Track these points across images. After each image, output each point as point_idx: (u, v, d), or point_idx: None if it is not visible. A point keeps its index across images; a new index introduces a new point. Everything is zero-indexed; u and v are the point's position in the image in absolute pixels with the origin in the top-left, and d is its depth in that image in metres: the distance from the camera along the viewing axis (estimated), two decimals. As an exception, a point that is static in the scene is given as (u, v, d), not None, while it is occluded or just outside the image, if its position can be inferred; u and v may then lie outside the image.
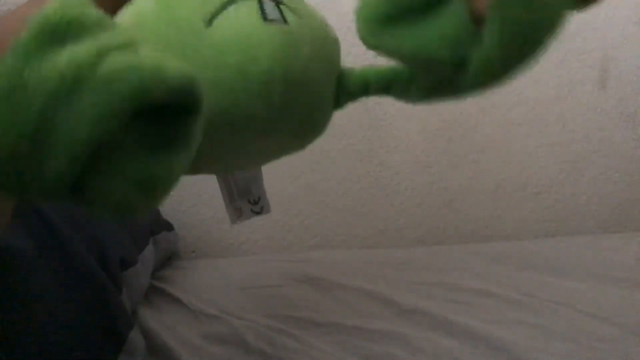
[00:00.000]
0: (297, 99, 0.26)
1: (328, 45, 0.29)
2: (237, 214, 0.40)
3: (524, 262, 0.80)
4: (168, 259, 0.88)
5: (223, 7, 0.24)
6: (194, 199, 0.98)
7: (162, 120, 0.18)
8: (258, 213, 0.41)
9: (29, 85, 0.15)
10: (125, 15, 0.24)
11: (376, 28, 0.24)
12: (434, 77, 0.26)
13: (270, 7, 0.25)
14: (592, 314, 0.61)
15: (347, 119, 0.96)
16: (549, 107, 1.03)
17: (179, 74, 0.17)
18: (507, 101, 1.01)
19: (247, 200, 0.40)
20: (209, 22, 0.24)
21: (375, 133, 0.97)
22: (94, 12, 0.17)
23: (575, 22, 1.11)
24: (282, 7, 0.26)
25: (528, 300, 0.65)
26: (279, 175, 0.97)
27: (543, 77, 1.01)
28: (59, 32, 0.16)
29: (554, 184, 1.06)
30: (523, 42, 0.21)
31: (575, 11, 0.22)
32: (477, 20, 0.22)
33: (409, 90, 0.29)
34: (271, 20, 0.25)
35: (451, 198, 1.03)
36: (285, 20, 0.25)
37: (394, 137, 0.99)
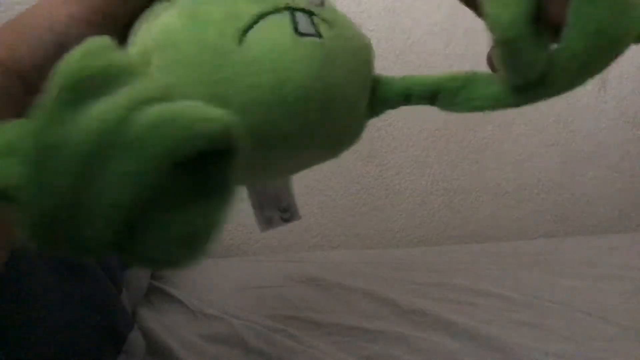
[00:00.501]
0: (334, 113, 0.25)
1: (362, 55, 0.28)
2: (266, 222, 0.39)
3: (524, 262, 0.80)
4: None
5: (254, 22, 0.23)
6: (194, 199, 0.98)
7: (197, 168, 0.17)
8: (287, 220, 0.40)
9: (60, 148, 0.15)
10: (151, 33, 0.23)
11: None
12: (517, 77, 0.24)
13: (303, 20, 0.24)
14: (592, 314, 0.61)
15: (347, 119, 0.95)
16: (549, 107, 1.03)
17: (217, 122, 0.16)
18: (507, 101, 1.01)
19: (276, 208, 0.39)
20: (241, 39, 0.22)
21: (375, 133, 0.97)
22: (121, 58, 0.16)
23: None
24: (314, 18, 0.24)
25: (528, 300, 0.65)
26: (279, 175, 0.97)
27: (543, 77, 1.01)
28: (86, 86, 0.15)
29: (554, 184, 1.06)
30: (607, 43, 0.21)
31: None
32: (551, 23, 0.21)
33: (457, 100, 0.28)
34: (304, 35, 0.23)
35: (451, 198, 1.03)
36: (319, 34, 0.24)
37: (394, 137, 0.99)
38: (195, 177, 0.17)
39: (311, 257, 0.88)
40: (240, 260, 0.90)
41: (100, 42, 0.16)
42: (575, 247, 0.88)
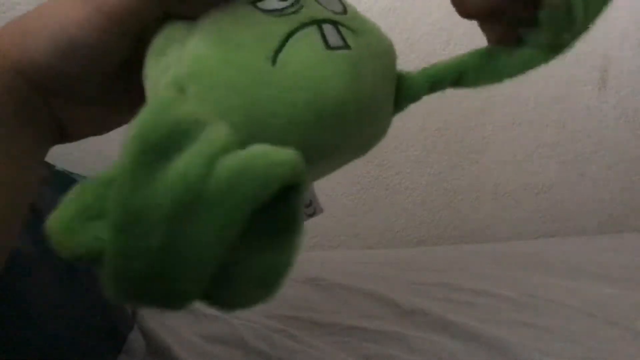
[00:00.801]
0: (367, 120, 0.26)
1: (387, 58, 0.28)
2: None
3: (524, 262, 0.80)
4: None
5: (285, 41, 0.23)
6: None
7: (269, 208, 0.17)
8: (311, 215, 0.41)
9: (146, 211, 0.15)
10: (183, 63, 0.23)
11: None
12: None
13: (331, 33, 0.24)
14: (592, 314, 0.61)
15: (347, 119, 0.95)
16: (549, 107, 1.03)
17: (289, 163, 0.17)
18: (507, 101, 1.01)
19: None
20: (273, 60, 0.23)
21: (375, 133, 0.97)
22: (189, 112, 0.17)
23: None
24: (341, 28, 0.25)
25: (528, 300, 0.65)
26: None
27: (543, 77, 1.01)
28: (162, 146, 0.15)
29: (554, 184, 1.06)
30: None
31: None
32: None
33: (484, 75, 0.28)
34: (334, 48, 0.24)
35: (451, 198, 1.03)
36: (347, 45, 0.24)
37: (394, 137, 0.98)
38: (268, 217, 0.17)
39: (311, 257, 0.88)
40: (240, 260, 0.89)
41: (165, 99, 0.17)
42: (575, 247, 0.88)
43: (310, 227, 1.07)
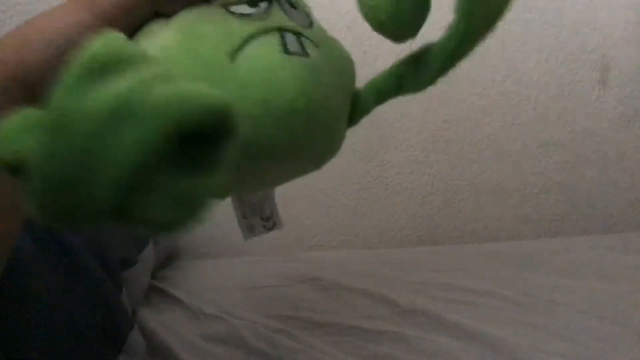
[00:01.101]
0: (319, 128, 0.27)
1: (346, 73, 0.30)
2: (249, 231, 0.43)
3: (524, 262, 0.80)
4: (168, 259, 0.88)
5: (246, 42, 0.25)
6: (194, 199, 0.98)
7: (196, 143, 0.19)
8: (270, 229, 0.43)
9: (76, 116, 0.16)
10: (149, 49, 0.24)
11: None
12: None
13: (291, 40, 0.26)
14: (592, 314, 0.61)
15: (347, 119, 0.96)
16: (549, 107, 1.03)
17: (220, 101, 0.18)
18: (507, 101, 1.01)
19: (259, 217, 0.42)
20: (233, 57, 0.24)
21: (375, 133, 0.97)
22: (136, 47, 0.18)
23: (575, 22, 1.11)
24: (302, 39, 0.26)
25: (528, 300, 0.65)
26: (279, 175, 0.97)
27: (543, 77, 1.01)
28: (104, 66, 0.17)
29: (554, 184, 1.06)
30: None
31: None
32: None
33: (422, 78, 0.29)
34: (293, 53, 0.25)
35: (451, 198, 1.03)
36: (306, 53, 0.26)
37: (394, 137, 0.98)
38: (194, 154, 0.18)
39: (311, 257, 0.88)
40: (240, 260, 0.90)
41: (117, 34, 0.18)
42: (575, 247, 0.88)
43: (311, 227, 1.07)
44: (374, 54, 0.81)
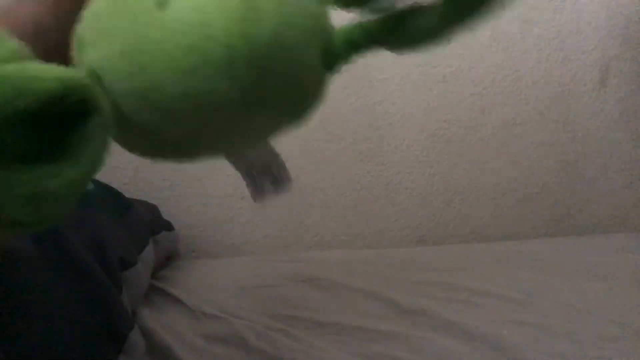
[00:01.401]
0: (273, 72, 0.24)
1: (305, 10, 0.26)
2: (259, 192, 0.40)
3: (524, 262, 0.80)
4: (168, 259, 0.88)
5: None
6: (194, 199, 0.98)
7: (60, 130, 0.17)
8: (279, 188, 0.41)
9: None
10: (85, 17, 0.24)
11: None
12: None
13: None
14: (592, 314, 0.61)
15: (347, 119, 0.96)
16: (549, 107, 1.03)
17: (56, 79, 0.17)
18: (507, 101, 1.01)
19: (267, 177, 0.40)
20: (162, 4, 0.22)
21: (375, 133, 0.97)
22: None
23: (575, 22, 1.11)
24: None
25: (528, 300, 0.65)
26: (279, 175, 0.96)
27: (543, 77, 1.01)
28: None
29: (554, 183, 1.06)
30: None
31: None
32: None
33: (408, 33, 0.26)
34: None
35: (451, 198, 1.03)
36: None
37: (394, 137, 0.98)
38: (51, 139, 0.17)
39: (311, 256, 0.88)
40: (240, 260, 0.90)
41: None
42: (575, 247, 0.88)
43: (311, 227, 1.07)
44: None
